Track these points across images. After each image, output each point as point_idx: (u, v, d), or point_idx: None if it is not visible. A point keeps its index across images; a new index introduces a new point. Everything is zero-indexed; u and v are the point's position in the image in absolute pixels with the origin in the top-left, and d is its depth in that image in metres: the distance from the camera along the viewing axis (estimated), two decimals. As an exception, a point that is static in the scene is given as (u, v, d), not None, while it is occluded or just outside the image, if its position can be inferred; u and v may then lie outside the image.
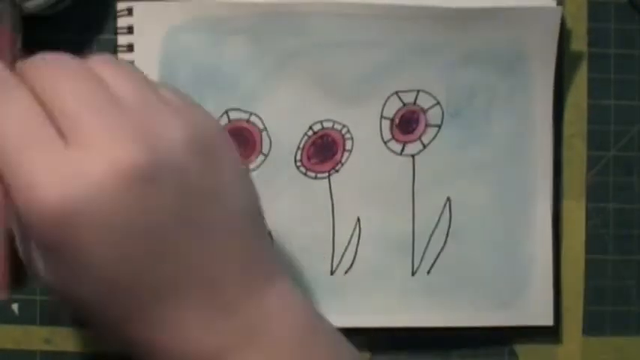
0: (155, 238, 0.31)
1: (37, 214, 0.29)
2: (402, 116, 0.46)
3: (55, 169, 0.29)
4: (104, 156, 0.29)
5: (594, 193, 0.48)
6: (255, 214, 0.35)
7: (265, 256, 0.35)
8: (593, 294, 0.48)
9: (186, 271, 0.32)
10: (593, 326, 0.48)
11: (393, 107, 0.46)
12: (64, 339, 0.47)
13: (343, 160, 0.46)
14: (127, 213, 0.30)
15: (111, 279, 0.31)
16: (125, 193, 0.29)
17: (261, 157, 0.46)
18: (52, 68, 0.32)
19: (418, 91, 0.46)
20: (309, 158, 0.46)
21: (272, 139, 0.46)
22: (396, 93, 0.46)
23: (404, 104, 0.46)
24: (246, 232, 0.34)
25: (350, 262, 0.46)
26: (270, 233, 0.46)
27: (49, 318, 0.47)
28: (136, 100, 0.31)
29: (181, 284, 0.31)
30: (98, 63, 0.33)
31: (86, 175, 0.29)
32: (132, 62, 0.45)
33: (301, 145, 0.46)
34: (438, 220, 0.46)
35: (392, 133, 0.46)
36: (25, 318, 0.47)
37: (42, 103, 0.31)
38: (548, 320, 0.46)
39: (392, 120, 0.46)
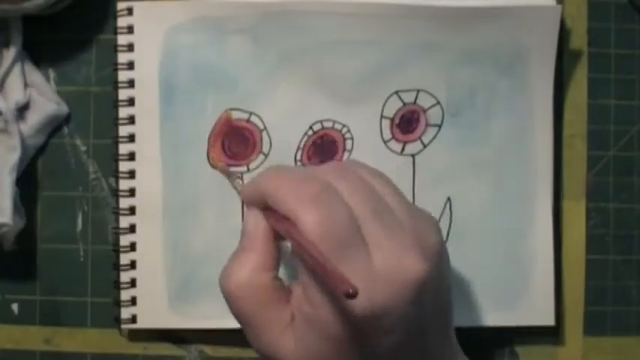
0: (415, 338, 0.34)
1: (350, 313, 0.32)
2: (402, 116, 0.46)
3: (365, 274, 0.32)
4: (401, 267, 0.33)
5: (594, 193, 0.48)
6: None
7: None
8: (594, 294, 0.48)
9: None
10: (593, 326, 0.48)
11: (393, 107, 0.46)
12: (64, 339, 0.47)
13: (343, 160, 0.46)
14: (406, 317, 0.33)
15: None
16: (412, 300, 0.33)
17: (261, 157, 0.46)
18: (346, 179, 0.35)
19: (418, 91, 0.46)
20: (309, 158, 0.46)
21: (272, 139, 0.46)
22: (397, 92, 0.46)
23: (404, 104, 0.46)
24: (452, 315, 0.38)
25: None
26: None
27: (49, 318, 0.47)
28: (402, 210, 0.35)
29: None
30: (360, 170, 0.36)
31: (389, 282, 0.32)
32: (132, 62, 0.45)
33: (301, 145, 0.46)
34: (438, 220, 0.46)
35: (392, 132, 0.46)
36: (25, 318, 0.47)
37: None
38: (549, 320, 0.46)
39: (392, 120, 0.46)
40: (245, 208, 0.38)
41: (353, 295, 0.29)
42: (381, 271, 0.33)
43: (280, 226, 0.35)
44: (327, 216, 0.33)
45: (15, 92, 0.45)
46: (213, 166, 0.46)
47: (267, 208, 0.36)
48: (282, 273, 0.37)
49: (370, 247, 0.33)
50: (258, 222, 0.37)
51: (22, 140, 0.45)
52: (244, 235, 0.37)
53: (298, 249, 0.33)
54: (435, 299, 0.35)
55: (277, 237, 0.37)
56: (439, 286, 0.35)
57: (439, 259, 0.35)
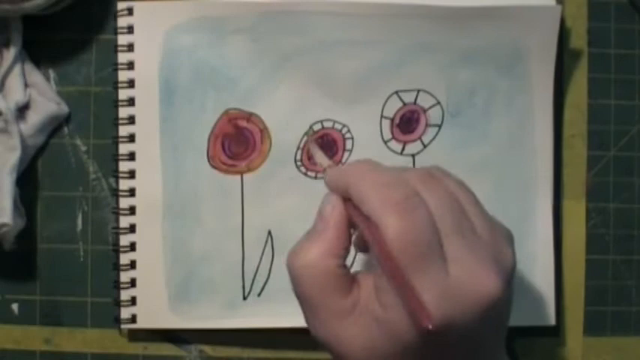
0: (470, 353, 0.34)
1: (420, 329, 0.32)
2: (402, 116, 0.46)
3: (439, 288, 0.32)
4: (477, 285, 0.32)
5: (594, 193, 0.48)
6: None
7: None
8: (594, 294, 0.48)
9: None
10: (593, 326, 0.48)
11: (393, 107, 0.46)
12: (64, 339, 0.47)
13: (343, 160, 0.46)
14: (475, 333, 0.33)
15: None
16: (481, 317, 0.33)
17: (261, 158, 0.46)
18: (433, 189, 0.35)
19: (418, 91, 0.46)
20: (309, 158, 0.46)
21: (272, 139, 0.46)
22: (396, 93, 0.46)
23: (404, 104, 0.46)
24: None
25: (350, 262, 0.46)
26: (270, 233, 0.46)
27: (49, 318, 0.47)
28: (482, 224, 0.35)
29: None
30: (447, 180, 0.36)
31: (462, 299, 0.32)
32: (132, 62, 0.45)
33: (301, 145, 0.46)
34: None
35: (392, 132, 0.46)
36: (25, 318, 0.47)
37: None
38: (549, 320, 0.46)
39: (392, 120, 0.46)
40: (326, 190, 0.37)
41: (426, 331, 0.30)
42: (456, 286, 0.32)
43: (361, 223, 0.35)
44: (411, 225, 0.32)
45: (15, 92, 0.45)
46: (213, 166, 0.46)
47: (348, 199, 0.36)
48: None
49: (448, 261, 0.33)
50: (335, 207, 0.36)
51: (23, 140, 0.45)
52: (319, 218, 0.37)
53: (376, 252, 0.33)
54: (499, 315, 0.35)
55: (351, 225, 0.36)
56: (506, 303, 0.35)
57: (512, 275, 0.35)
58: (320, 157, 0.42)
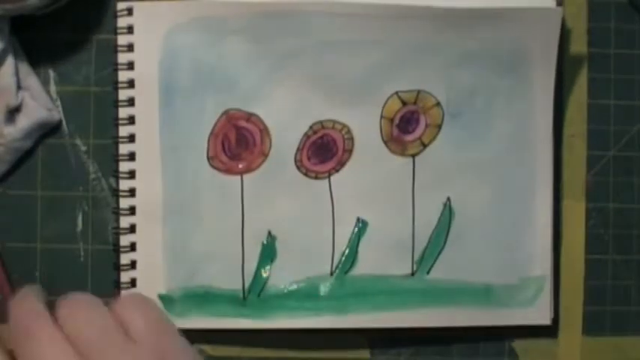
0: None
1: None
2: (402, 116, 0.46)
3: None
4: None
5: (594, 193, 0.48)
6: None
7: None
8: (593, 294, 0.48)
9: None
10: (592, 326, 0.48)
11: (393, 107, 0.46)
12: (64, 339, 0.47)
13: (343, 161, 0.46)
14: None
15: None
16: None
17: (261, 158, 0.46)
18: (80, 311, 0.34)
19: (418, 91, 0.46)
20: (309, 158, 0.46)
21: (272, 140, 0.46)
22: (396, 93, 0.46)
23: (404, 104, 0.46)
24: None
25: (350, 263, 0.46)
26: (270, 233, 0.46)
27: (49, 318, 0.47)
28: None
29: None
30: (122, 307, 0.34)
31: None
32: (132, 62, 0.45)
33: (301, 146, 0.46)
34: (438, 221, 0.46)
35: (392, 133, 0.46)
36: (25, 318, 0.47)
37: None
38: (548, 320, 0.46)
39: (392, 120, 0.46)
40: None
41: None
42: None
43: None
44: None
45: (6, 94, 0.44)
46: (213, 167, 0.46)
47: None
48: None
49: None
50: None
51: (9, 143, 0.45)
52: None
53: None
54: None
55: None
56: None
57: None
58: None
